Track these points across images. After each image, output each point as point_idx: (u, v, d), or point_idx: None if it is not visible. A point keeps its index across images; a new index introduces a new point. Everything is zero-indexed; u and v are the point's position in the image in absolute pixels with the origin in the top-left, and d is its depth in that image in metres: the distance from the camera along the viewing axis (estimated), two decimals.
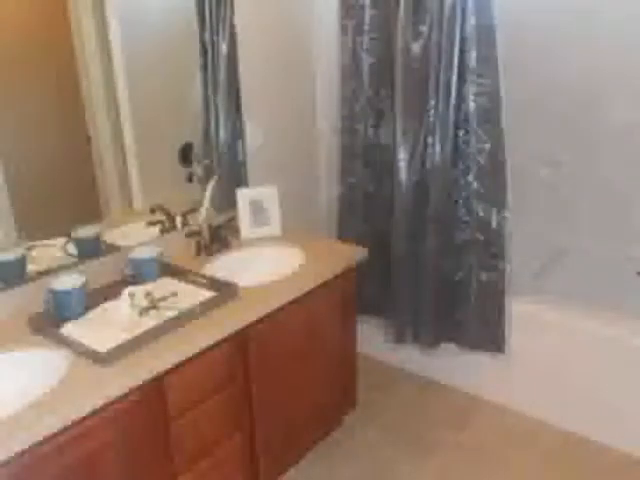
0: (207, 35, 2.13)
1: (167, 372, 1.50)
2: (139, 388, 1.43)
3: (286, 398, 1.96)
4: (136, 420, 1.46)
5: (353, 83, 2.40)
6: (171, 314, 1.64)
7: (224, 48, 2.18)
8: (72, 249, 1.83)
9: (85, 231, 1.87)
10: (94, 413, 1.34)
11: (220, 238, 2.14)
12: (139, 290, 1.74)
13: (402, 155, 2.24)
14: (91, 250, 1.87)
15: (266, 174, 2.44)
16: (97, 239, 1.90)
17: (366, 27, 2.30)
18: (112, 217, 1.97)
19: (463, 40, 2.07)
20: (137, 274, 1.86)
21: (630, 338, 2.11)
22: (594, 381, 2.21)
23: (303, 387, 2.03)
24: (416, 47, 2.15)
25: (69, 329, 1.58)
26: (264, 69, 2.38)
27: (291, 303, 1.85)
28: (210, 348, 1.61)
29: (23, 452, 1.23)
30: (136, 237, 2.00)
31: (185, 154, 2.16)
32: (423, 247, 2.30)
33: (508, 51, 2.09)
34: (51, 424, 1.26)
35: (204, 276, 1.87)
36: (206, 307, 1.68)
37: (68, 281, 1.65)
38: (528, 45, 2.64)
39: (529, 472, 2.16)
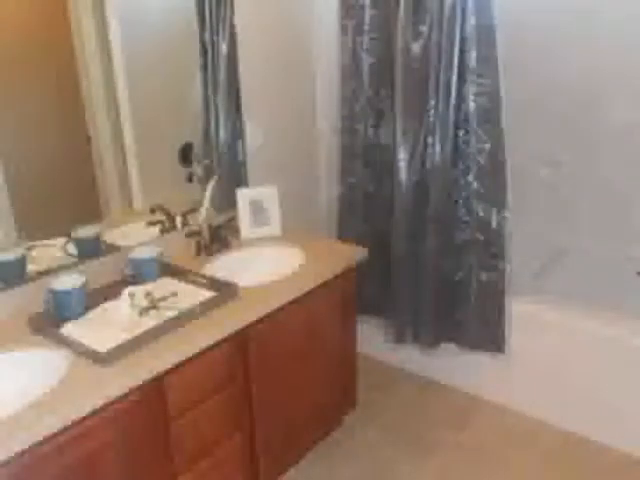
0: (207, 35, 2.13)
1: (167, 372, 1.50)
2: (139, 388, 1.43)
3: (286, 398, 1.96)
4: (136, 420, 1.46)
5: (353, 83, 2.40)
6: (171, 314, 1.64)
7: (224, 48, 2.18)
8: (72, 249, 1.83)
9: (85, 231, 1.87)
10: (94, 413, 1.34)
11: (220, 238, 2.14)
12: (139, 290, 1.74)
13: (402, 155, 2.24)
14: (91, 250, 1.87)
15: (266, 174, 2.44)
16: (97, 239, 1.91)
17: (366, 27, 2.30)
18: (112, 217, 1.97)
19: (463, 40, 2.07)
20: (137, 274, 1.86)
21: (630, 338, 2.11)
22: (594, 381, 2.21)
23: (303, 387, 2.03)
24: (416, 47, 2.15)
25: (69, 329, 1.58)
26: (264, 69, 2.38)
27: (291, 303, 1.85)
28: (210, 348, 1.61)
29: (23, 452, 1.23)
30: (136, 237, 2.00)
31: (185, 154, 2.16)
32: (423, 247, 2.30)
33: (508, 51, 2.09)
34: (51, 424, 1.26)
35: (204, 276, 1.87)
36: (206, 307, 1.68)
37: (68, 281, 1.65)
38: (528, 45, 2.64)
39: (529, 472, 2.16)
